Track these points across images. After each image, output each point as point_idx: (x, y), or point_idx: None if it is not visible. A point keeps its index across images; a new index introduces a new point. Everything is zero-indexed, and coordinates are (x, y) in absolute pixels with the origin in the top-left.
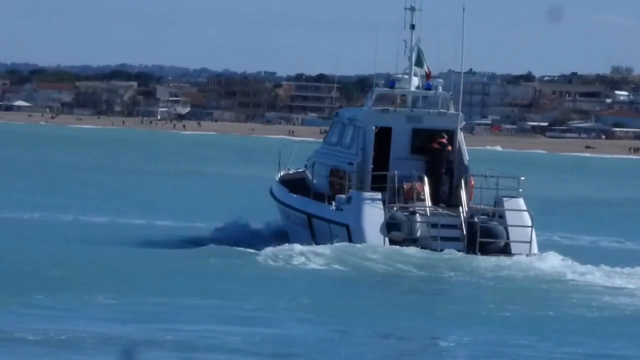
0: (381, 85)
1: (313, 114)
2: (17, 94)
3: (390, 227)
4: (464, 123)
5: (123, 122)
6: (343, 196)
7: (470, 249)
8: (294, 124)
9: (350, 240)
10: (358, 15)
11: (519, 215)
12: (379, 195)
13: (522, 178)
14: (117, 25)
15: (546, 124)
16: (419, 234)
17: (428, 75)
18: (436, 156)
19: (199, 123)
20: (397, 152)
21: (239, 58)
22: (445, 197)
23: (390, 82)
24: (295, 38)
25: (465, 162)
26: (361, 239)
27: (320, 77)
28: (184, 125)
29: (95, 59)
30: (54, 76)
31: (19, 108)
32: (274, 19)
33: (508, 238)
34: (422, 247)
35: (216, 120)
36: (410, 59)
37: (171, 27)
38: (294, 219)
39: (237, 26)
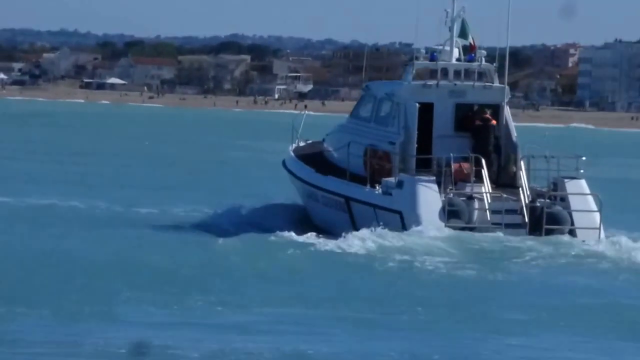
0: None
1: None
2: (110, 70)
3: (449, 214)
4: (509, 97)
5: (237, 102)
6: (391, 179)
7: (532, 236)
8: None
9: (403, 228)
10: None
11: (583, 198)
12: (433, 178)
13: (583, 158)
14: None
15: None
16: (476, 220)
17: (472, 47)
18: (481, 133)
19: (323, 103)
20: (440, 130)
21: (369, 27)
22: (494, 178)
23: (432, 54)
24: (434, 2)
25: (514, 139)
26: (417, 227)
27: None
28: (305, 106)
29: (201, 28)
30: (153, 49)
31: (113, 86)
32: None
33: (573, 224)
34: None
35: (343, 100)
36: (451, 29)
37: None
38: (326, 201)
39: None
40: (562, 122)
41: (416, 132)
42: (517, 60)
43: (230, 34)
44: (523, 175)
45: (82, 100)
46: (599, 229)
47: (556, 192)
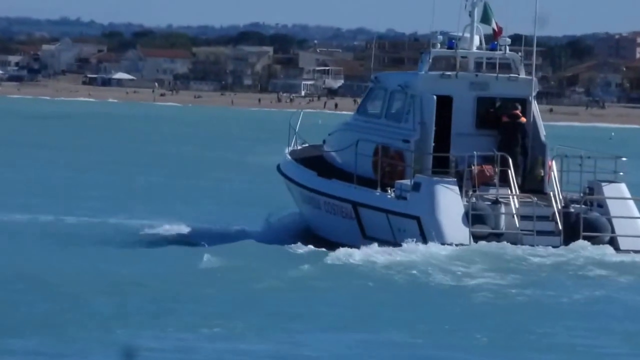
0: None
1: None
2: (117, 64)
3: (473, 219)
4: (537, 90)
5: (259, 101)
6: (406, 181)
7: (567, 244)
8: None
9: (422, 236)
10: None
11: (624, 203)
12: (454, 180)
13: (624, 159)
14: None
15: None
16: (503, 227)
17: (496, 34)
18: (508, 132)
19: (355, 100)
20: (460, 127)
21: (406, 15)
22: (520, 182)
23: (449, 41)
24: None
25: (542, 139)
26: (438, 233)
27: (516, 38)
28: (336, 105)
29: (218, 17)
30: (165, 40)
31: (120, 82)
32: None
33: (613, 231)
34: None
35: None
36: (471, 14)
37: None
38: (329, 207)
39: None
40: (629, 121)
41: (434, 128)
42: (576, 51)
43: (251, 23)
44: (554, 178)
45: (87, 99)
46: None
47: (593, 197)
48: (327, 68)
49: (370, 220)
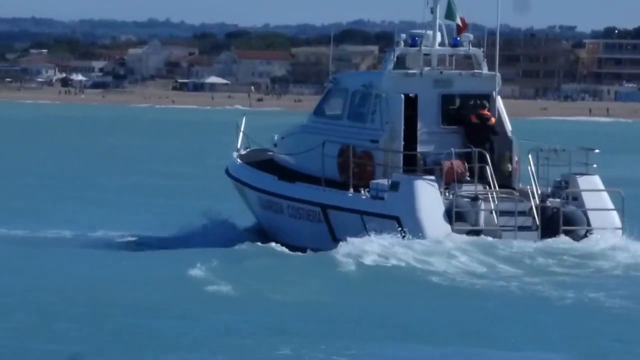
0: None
1: (631, 85)
2: (209, 67)
3: (454, 216)
4: (500, 85)
5: None
6: (382, 181)
7: (545, 239)
8: (601, 99)
9: (402, 235)
10: None
11: (598, 195)
12: (433, 177)
13: (597, 151)
14: None
15: None
16: (482, 223)
17: (461, 29)
18: (476, 132)
19: None
20: (426, 125)
21: (522, 7)
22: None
23: (413, 39)
24: None
25: (509, 134)
26: (419, 233)
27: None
28: None
29: (318, 14)
30: (261, 41)
31: (212, 86)
32: None
33: (589, 224)
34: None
35: None
36: (433, 10)
37: None
38: (294, 212)
39: None
40: None
41: (402, 127)
42: None
43: (354, 20)
44: (531, 172)
45: (172, 106)
46: (621, 228)
47: (569, 190)
48: (438, 68)
49: (341, 223)
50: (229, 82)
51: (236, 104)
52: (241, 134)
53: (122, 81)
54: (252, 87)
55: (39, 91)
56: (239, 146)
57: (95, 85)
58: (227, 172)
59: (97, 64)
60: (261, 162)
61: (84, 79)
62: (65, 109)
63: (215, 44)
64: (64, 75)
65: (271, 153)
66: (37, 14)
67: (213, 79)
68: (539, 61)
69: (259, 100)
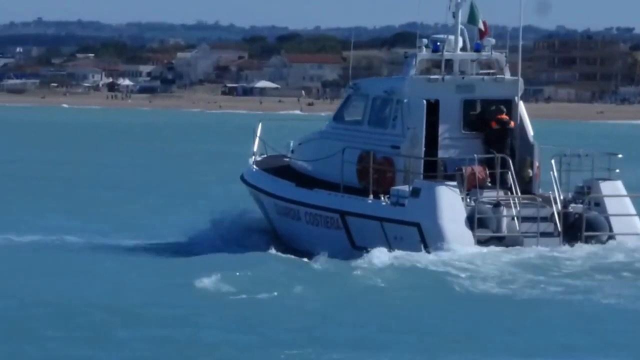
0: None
1: None
2: (259, 72)
3: (476, 223)
4: (522, 90)
5: None
6: (403, 187)
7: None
8: None
9: (423, 243)
10: None
11: (620, 201)
12: (454, 184)
13: (620, 155)
14: None
15: None
16: (504, 229)
17: (483, 33)
18: (497, 138)
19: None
20: (447, 130)
21: (578, 10)
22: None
23: (434, 44)
24: None
25: (530, 139)
26: (441, 240)
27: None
28: None
29: (370, 17)
30: (312, 44)
31: (262, 91)
32: None
33: (611, 230)
34: (509, 246)
35: (549, 99)
36: (455, 15)
37: None
38: (312, 218)
39: None
40: None
41: (424, 133)
42: None
43: (407, 23)
44: (554, 178)
45: (219, 110)
46: None
47: (592, 195)
48: (492, 71)
49: (361, 230)
50: (279, 86)
51: (287, 108)
52: (257, 140)
53: (171, 86)
54: (303, 92)
55: (85, 96)
56: (254, 152)
57: (142, 90)
58: (242, 178)
59: (145, 68)
60: (278, 169)
61: (130, 83)
62: (132, 115)
63: (266, 47)
64: (110, 79)
65: (287, 159)
66: (84, 17)
67: (263, 83)
68: (596, 64)
69: (310, 104)
